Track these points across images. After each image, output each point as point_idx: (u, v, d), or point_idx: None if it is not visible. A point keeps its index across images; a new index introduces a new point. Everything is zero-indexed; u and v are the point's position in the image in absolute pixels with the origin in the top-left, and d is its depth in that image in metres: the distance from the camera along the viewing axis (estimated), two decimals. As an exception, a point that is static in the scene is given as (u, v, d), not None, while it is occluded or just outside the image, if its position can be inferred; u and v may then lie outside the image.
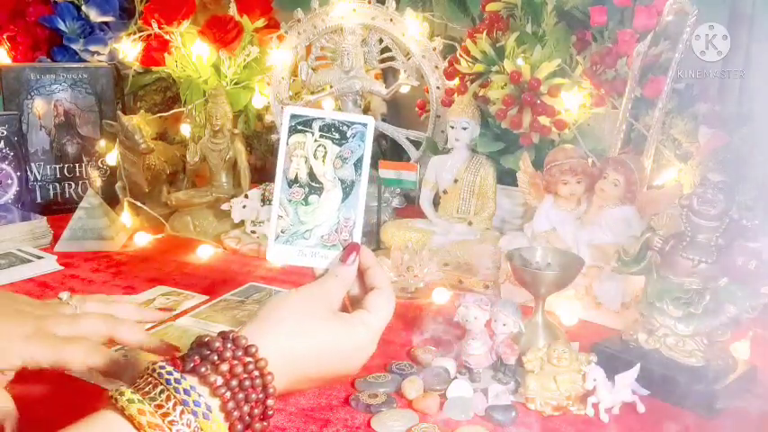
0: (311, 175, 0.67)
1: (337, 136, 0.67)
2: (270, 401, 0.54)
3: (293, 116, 0.67)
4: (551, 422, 0.69)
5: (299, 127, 0.67)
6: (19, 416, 0.63)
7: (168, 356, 0.55)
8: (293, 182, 0.66)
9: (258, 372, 0.54)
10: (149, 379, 0.51)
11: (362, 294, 0.65)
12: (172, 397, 0.50)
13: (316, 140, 0.67)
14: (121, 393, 0.50)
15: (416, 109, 1.39)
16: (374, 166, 1.14)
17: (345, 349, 0.61)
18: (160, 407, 0.49)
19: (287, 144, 0.67)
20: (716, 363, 0.73)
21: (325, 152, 0.67)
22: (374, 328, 0.63)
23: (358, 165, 0.66)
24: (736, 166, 0.93)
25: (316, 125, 0.67)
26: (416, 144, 1.37)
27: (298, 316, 0.60)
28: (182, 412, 0.49)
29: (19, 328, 0.65)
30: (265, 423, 0.55)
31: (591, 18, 1.12)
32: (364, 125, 0.66)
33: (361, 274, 0.66)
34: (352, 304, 0.67)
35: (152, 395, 0.50)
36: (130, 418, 0.48)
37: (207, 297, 1.00)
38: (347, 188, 0.67)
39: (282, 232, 0.66)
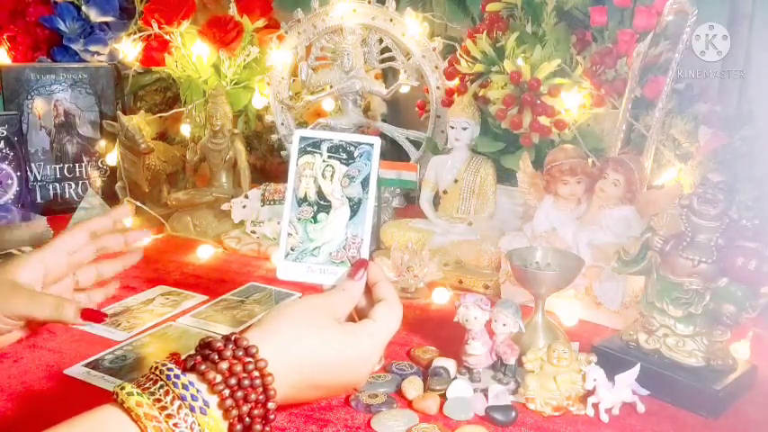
0: (320, 193, 0.69)
1: (345, 156, 0.69)
2: (270, 404, 0.55)
3: (302, 138, 0.69)
4: (551, 422, 0.69)
5: (309, 148, 0.69)
6: None
7: (172, 357, 0.55)
8: (302, 201, 0.69)
9: (258, 372, 0.54)
10: (152, 376, 0.53)
11: (370, 308, 0.66)
12: (170, 392, 0.51)
13: (324, 161, 0.69)
14: (122, 388, 0.51)
15: (416, 109, 1.39)
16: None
17: (349, 357, 0.61)
18: (158, 401, 0.50)
19: (296, 164, 0.69)
20: (716, 363, 0.73)
21: (333, 172, 0.69)
22: (379, 337, 0.63)
23: (365, 183, 0.68)
24: (736, 166, 0.93)
25: (324, 146, 0.69)
26: (416, 144, 1.37)
27: (302, 323, 0.60)
28: (179, 407, 0.50)
29: None
30: (267, 429, 0.55)
31: (591, 18, 1.12)
32: (371, 145, 0.69)
33: (368, 288, 0.67)
34: (359, 317, 0.67)
35: (152, 390, 0.51)
36: (128, 411, 0.50)
37: (207, 297, 1.00)
38: (355, 206, 0.68)
39: (292, 250, 0.68)
